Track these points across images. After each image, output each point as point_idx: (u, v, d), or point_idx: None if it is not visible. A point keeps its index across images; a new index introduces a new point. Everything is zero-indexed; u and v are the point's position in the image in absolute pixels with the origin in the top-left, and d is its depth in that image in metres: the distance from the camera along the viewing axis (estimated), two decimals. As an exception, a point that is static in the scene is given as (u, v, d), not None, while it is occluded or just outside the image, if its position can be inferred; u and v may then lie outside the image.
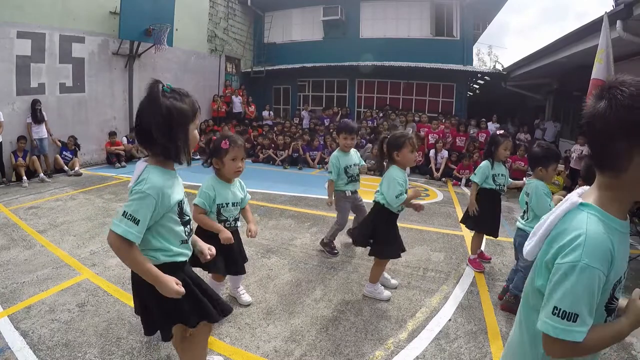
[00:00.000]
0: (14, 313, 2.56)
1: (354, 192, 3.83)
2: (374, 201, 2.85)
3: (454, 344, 2.37)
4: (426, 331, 2.50)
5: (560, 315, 0.86)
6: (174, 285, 1.43)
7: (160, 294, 1.44)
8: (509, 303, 2.76)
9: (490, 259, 3.74)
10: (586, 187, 1.01)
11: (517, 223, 2.89)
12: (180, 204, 1.52)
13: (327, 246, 3.78)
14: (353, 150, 3.78)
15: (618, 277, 0.91)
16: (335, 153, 3.75)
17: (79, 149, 7.99)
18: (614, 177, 0.89)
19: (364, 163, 3.83)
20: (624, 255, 0.93)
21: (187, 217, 1.59)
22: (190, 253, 1.63)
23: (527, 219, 2.80)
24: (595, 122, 0.87)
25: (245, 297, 2.80)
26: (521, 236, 2.79)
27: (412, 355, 2.26)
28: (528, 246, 1.02)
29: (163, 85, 1.41)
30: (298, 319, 2.60)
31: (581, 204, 0.93)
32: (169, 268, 1.49)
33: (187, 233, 1.58)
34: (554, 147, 2.98)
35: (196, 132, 1.52)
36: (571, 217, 0.92)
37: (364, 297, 2.94)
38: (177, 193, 1.51)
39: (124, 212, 1.37)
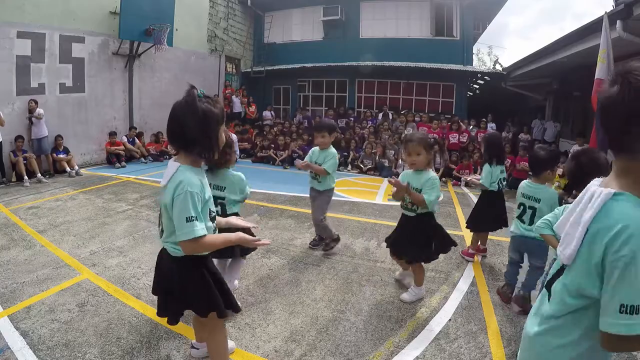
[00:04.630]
0: (14, 313, 2.56)
1: None
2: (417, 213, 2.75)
3: (454, 344, 2.37)
4: (426, 331, 2.50)
5: (628, 311, 0.81)
6: (251, 237, 1.64)
7: (185, 280, 1.63)
8: (524, 300, 2.76)
9: (486, 250, 3.83)
10: (601, 179, 0.99)
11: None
12: (209, 199, 1.66)
13: (328, 245, 3.78)
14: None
15: None
16: (335, 151, 3.62)
17: (63, 148, 7.62)
18: (631, 160, 0.89)
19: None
20: None
21: (213, 213, 1.70)
22: None
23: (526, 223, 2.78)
24: (610, 105, 0.88)
25: (235, 283, 2.89)
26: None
27: (412, 355, 2.26)
28: (566, 250, 0.95)
29: (198, 92, 1.56)
30: (298, 319, 2.60)
31: (615, 194, 0.89)
32: (195, 260, 1.64)
33: (213, 229, 1.69)
34: (554, 147, 3.00)
35: (223, 134, 1.68)
36: (610, 210, 0.88)
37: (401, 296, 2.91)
38: (207, 189, 1.65)
39: (185, 218, 1.49)
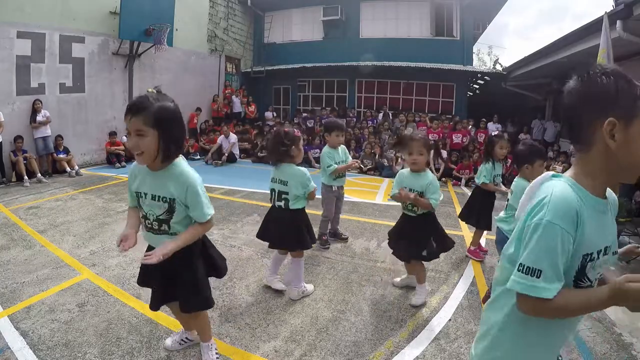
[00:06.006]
0: (14, 313, 2.56)
1: (340, 188, 3.94)
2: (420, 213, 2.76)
3: (454, 344, 2.37)
4: (426, 331, 2.50)
5: (524, 271, 0.88)
6: None
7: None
8: None
9: (487, 250, 3.84)
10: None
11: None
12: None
13: (319, 239, 3.79)
14: (341, 148, 3.87)
15: (589, 252, 0.91)
16: (326, 149, 3.83)
17: (63, 148, 7.66)
18: (585, 151, 0.94)
19: (350, 159, 3.94)
20: (599, 231, 0.93)
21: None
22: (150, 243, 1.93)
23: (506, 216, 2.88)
24: (566, 96, 0.94)
25: (280, 285, 2.95)
26: (498, 234, 2.89)
27: (412, 355, 2.26)
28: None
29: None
30: (298, 319, 2.60)
31: (553, 175, 0.98)
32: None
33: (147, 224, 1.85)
34: (537, 144, 3.07)
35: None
36: (542, 187, 0.97)
37: (392, 285, 2.94)
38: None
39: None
